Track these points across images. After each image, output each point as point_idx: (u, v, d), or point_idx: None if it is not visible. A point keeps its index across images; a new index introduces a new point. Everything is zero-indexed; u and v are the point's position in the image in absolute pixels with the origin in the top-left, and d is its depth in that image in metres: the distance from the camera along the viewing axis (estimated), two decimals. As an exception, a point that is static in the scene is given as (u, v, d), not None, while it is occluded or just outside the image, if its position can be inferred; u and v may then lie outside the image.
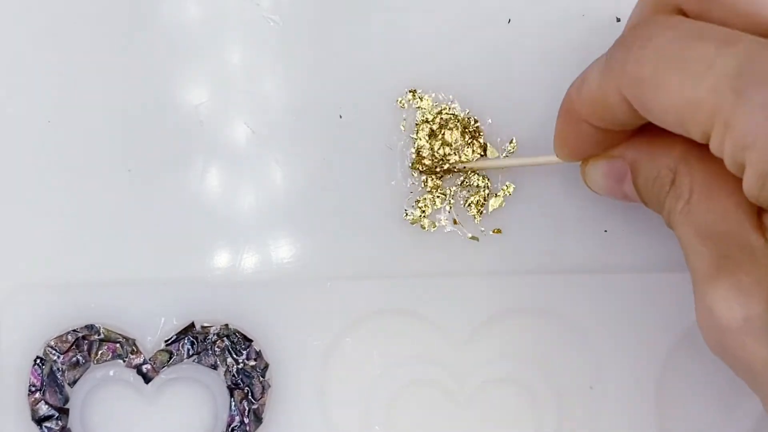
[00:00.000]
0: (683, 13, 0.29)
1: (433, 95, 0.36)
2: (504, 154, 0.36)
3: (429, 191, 0.36)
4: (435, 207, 0.36)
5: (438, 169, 0.36)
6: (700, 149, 0.28)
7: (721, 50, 0.25)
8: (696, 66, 0.26)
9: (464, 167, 0.36)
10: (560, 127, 0.32)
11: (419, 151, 0.36)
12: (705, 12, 0.28)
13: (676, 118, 0.26)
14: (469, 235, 0.36)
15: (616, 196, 0.32)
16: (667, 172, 0.29)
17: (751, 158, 0.25)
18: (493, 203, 0.36)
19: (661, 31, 0.27)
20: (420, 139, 0.36)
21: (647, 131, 0.31)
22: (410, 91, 0.36)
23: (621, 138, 0.31)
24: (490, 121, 0.36)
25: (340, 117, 0.36)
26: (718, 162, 0.26)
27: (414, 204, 0.36)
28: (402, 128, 0.36)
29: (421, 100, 0.36)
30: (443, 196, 0.36)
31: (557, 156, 0.33)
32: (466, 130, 0.36)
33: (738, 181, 0.26)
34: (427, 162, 0.35)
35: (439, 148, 0.35)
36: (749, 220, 0.27)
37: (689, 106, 0.26)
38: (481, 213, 0.36)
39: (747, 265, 0.26)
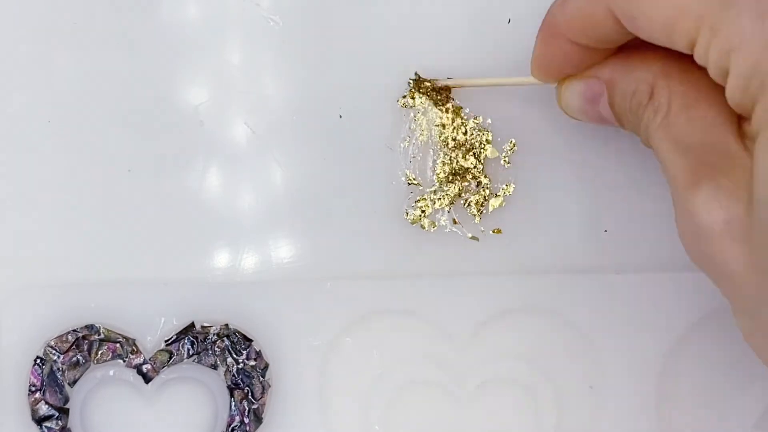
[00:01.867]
0: None
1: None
2: (503, 154, 0.36)
3: (441, 192, 0.36)
4: (435, 207, 0.36)
5: (429, 90, 0.36)
6: (679, 63, 0.28)
7: None
8: None
9: (446, 85, 0.35)
10: (540, 46, 0.32)
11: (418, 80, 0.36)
12: None
13: (662, 27, 0.26)
14: (469, 235, 0.36)
15: (591, 119, 0.32)
16: (645, 87, 0.29)
17: (737, 60, 0.25)
18: (493, 203, 0.36)
19: None
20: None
21: (624, 51, 0.31)
22: (414, 80, 0.36)
23: (599, 58, 0.31)
24: (489, 121, 0.36)
25: (340, 117, 0.36)
26: (698, 74, 0.27)
27: (414, 204, 0.36)
28: (410, 128, 0.36)
29: (422, 98, 0.36)
30: (443, 197, 0.36)
31: (533, 76, 0.33)
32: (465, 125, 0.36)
33: (718, 91, 0.26)
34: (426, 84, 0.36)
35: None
36: (730, 129, 0.27)
37: (677, 13, 0.26)
38: (481, 213, 0.36)
39: (727, 169, 0.26)
